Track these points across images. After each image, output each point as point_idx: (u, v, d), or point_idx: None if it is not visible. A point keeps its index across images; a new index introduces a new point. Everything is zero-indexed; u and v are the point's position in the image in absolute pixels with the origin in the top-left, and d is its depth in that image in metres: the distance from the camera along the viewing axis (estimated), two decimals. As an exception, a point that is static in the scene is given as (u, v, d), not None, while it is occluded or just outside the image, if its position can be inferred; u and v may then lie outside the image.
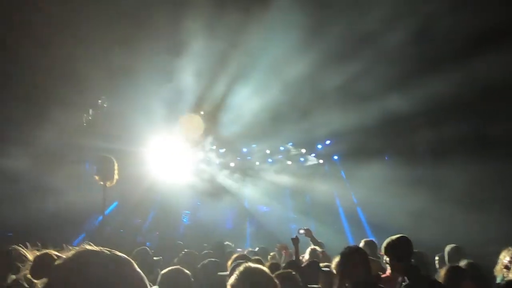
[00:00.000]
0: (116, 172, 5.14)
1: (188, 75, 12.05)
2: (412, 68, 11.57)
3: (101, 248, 1.13)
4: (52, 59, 11.01)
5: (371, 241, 5.56)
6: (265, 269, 2.10)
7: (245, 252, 5.47)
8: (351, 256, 3.49)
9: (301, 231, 5.54)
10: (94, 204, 11.02)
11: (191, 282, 2.51)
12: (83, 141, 12.68)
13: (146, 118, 13.18)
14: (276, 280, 2.07)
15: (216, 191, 15.66)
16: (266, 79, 12.29)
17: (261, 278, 2.01)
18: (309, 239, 5.68)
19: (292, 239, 4.87)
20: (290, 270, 2.87)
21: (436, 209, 11.32)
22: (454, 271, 3.93)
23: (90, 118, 13.58)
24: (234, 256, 4.34)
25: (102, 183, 5.08)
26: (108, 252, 1.11)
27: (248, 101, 12.82)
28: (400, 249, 3.69)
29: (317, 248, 5.21)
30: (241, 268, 2.03)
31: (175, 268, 2.81)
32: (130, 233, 14.21)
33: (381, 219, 12.58)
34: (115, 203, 14.67)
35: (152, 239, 14.03)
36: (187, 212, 15.75)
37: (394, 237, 3.75)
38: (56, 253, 1.14)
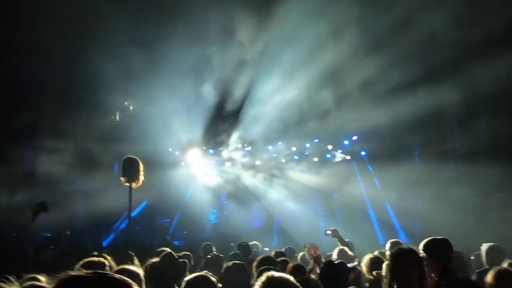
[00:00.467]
0: (141, 173, 5.14)
1: (212, 72, 12.07)
2: (444, 63, 11.19)
3: (88, 272, 1.06)
4: (80, 64, 11.29)
5: (397, 241, 5.30)
6: (289, 277, 2.01)
7: (272, 253, 5.40)
8: (402, 258, 3.11)
9: (328, 232, 5.41)
10: (124, 206, 11.21)
11: None
12: (113, 145, 12.93)
13: (172, 119, 13.32)
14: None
15: (242, 191, 15.66)
16: (291, 75, 12.15)
17: None
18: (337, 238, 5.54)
19: (313, 258, 4.56)
20: (310, 277, 2.74)
21: (469, 208, 10.85)
22: (505, 275, 3.72)
23: (117, 120, 13.82)
24: (259, 258, 4.26)
25: (128, 184, 5.09)
26: (94, 276, 1.03)
27: (272, 98, 12.72)
28: (439, 249, 3.56)
29: (345, 248, 5.08)
30: (263, 278, 1.96)
31: (201, 275, 2.73)
32: (159, 232, 14.42)
33: (411, 215, 12.24)
34: (144, 202, 14.91)
35: (181, 238, 14.18)
36: (214, 210, 15.83)
37: (437, 237, 3.66)
38: (40, 284, 1.08)
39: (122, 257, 3.67)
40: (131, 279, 2.40)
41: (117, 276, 1.06)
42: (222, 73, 12.14)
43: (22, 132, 12.31)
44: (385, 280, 3.08)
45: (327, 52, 10.84)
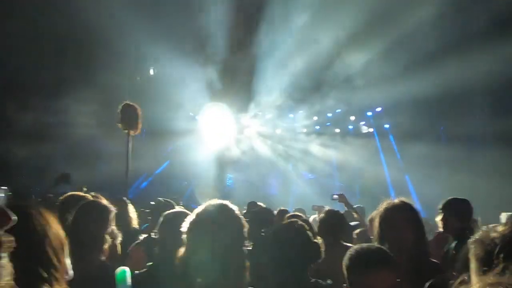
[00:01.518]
0: (140, 120, 5.04)
1: (231, 34, 11.79)
2: (478, 34, 10.52)
3: None
4: (102, 22, 11.22)
5: None
6: (227, 204, 1.88)
7: (276, 212, 5.38)
8: (394, 212, 2.61)
9: (335, 196, 5.33)
10: (144, 166, 11.64)
11: None
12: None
13: (192, 84, 13.26)
14: (241, 217, 1.86)
15: (261, 158, 15.62)
16: (316, 38, 11.73)
17: (219, 214, 1.80)
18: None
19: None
20: (297, 221, 2.63)
21: (487, 185, 10.42)
22: None
23: (138, 79, 13.81)
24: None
25: (126, 131, 5.02)
26: None
27: (293, 63, 12.39)
28: (460, 208, 3.46)
29: (353, 213, 4.98)
30: (202, 206, 1.86)
31: (178, 211, 2.70)
32: (176, 194, 14.65)
33: (430, 192, 11.90)
34: (167, 162, 15.18)
35: (197, 202, 14.36)
36: (230, 175, 15.93)
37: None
38: None
39: (117, 202, 3.70)
40: (99, 211, 2.46)
41: None
42: (242, 35, 11.86)
43: (44, 89, 12.52)
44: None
45: (352, 15, 10.36)
